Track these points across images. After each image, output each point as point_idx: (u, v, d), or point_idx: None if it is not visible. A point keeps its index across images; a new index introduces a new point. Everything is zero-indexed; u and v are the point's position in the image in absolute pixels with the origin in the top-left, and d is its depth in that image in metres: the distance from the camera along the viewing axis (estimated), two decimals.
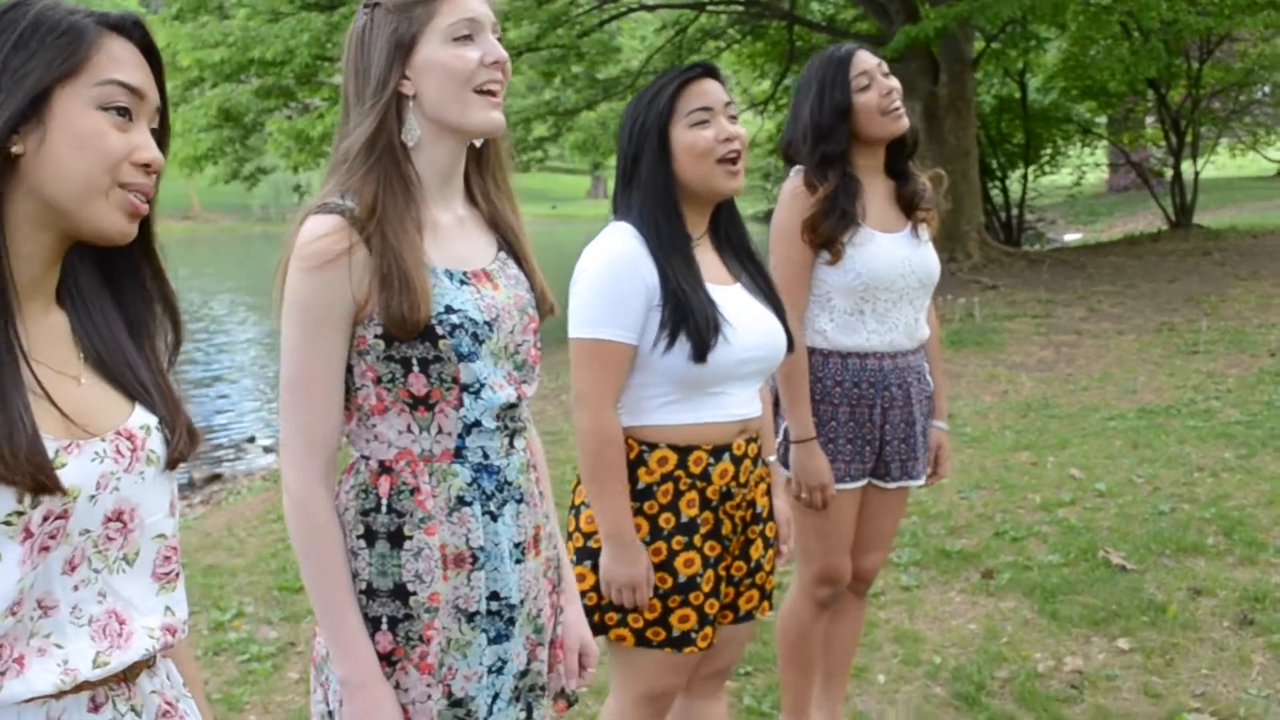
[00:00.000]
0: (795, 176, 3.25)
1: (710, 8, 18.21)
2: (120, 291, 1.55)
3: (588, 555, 2.68)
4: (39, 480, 1.33)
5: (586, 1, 16.51)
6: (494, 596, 2.04)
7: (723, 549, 2.70)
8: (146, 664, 1.51)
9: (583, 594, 2.64)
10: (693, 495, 2.63)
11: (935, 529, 5.87)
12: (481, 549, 2.01)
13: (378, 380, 1.97)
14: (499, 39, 2.03)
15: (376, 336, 1.94)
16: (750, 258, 2.79)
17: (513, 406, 2.06)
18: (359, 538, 1.99)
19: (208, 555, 6.33)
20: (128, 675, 1.48)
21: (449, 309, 1.96)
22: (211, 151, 17.04)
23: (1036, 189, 21.54)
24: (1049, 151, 21.14)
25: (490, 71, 1.99)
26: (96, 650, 1.43)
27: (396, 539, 1.97)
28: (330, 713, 2.02)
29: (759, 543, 2.78)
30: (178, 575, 1.55)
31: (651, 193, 2.63)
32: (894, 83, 3.20)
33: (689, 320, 2.54)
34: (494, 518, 2.03)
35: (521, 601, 2.08)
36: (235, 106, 16.29)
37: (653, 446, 2.62)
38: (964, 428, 8.00)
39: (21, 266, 1.43)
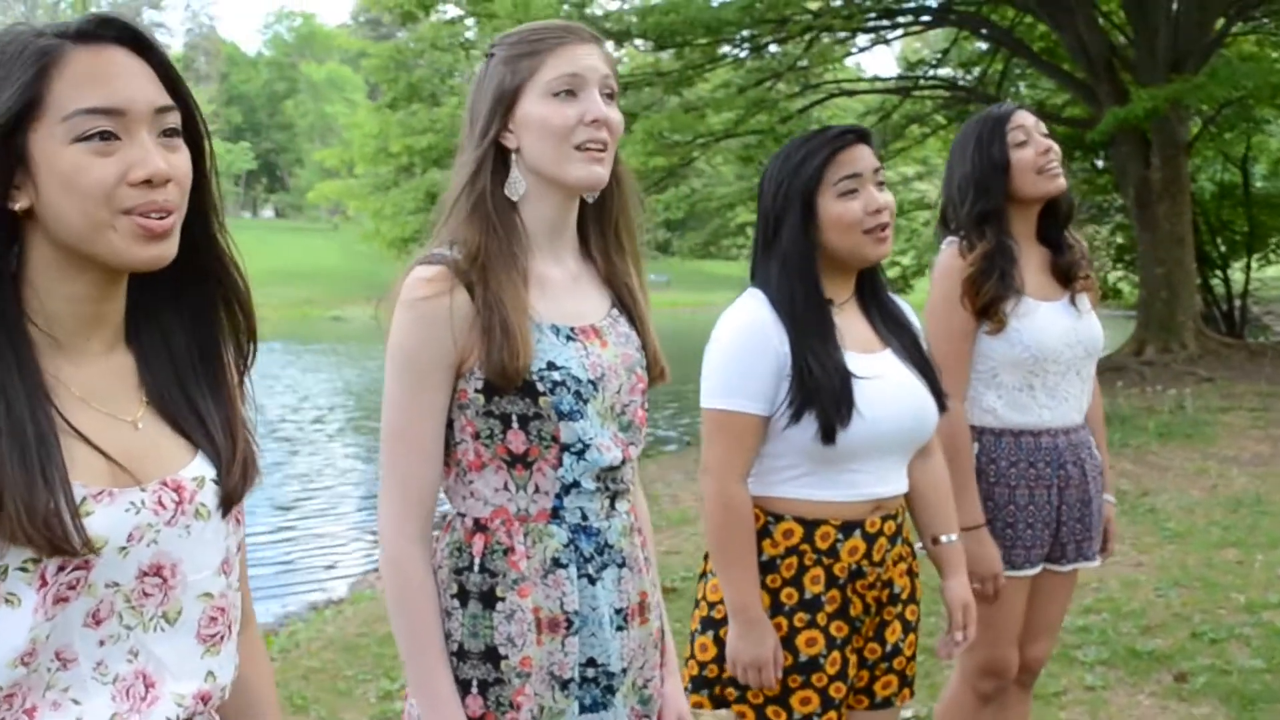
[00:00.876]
0: (949, 248, 3.10)
1: (915, 93, 18.04)
2: (188, 311, 1.46)
3: (711, 625, 2.55)
4: (53, 543, 1.25)
5: (788, 87, 16.55)
6: (590, 663, 1.95)
7: (852, 630, 2.53)
8: None
9: (704, 664, 2.53)
10: (818, 571, 2.48)
11: (1126, 627, 5.50)
12: (577, 613, 1.93)
13: (476, 436, 1.92)
14: (610, 94, 1.98)
15: (477, 390, 1.90)
16: (899, 322, 2.65)
17: (615, 468, 1.97)
18: (452, 597, 1.93)
19: (385, 625, 6.38)
20: None
21: (551, 365, 1.90)
22: (419, 233, 17.65)
23: (1261, 280, 20.54)
24: (1277, 240, 20.16)
25: (590, 130, 1.93)
26: (114, 712, 1.34)
27: (489, 600, 1.91)
28: None
29: (896, 625, 2.60)
30: (224, 637, 1.45)
31: (791, 260, 2.52)
32: (1052, 143, 3.05)
33: (817, 397, 2.42)
34: (592, 581, 1.95)
35: (624, 670, 1.98)
36: (442, 190, 16.82)
37: (779, 518, 2.49)
38: (1166, 523, 7.55)
39: (68, 308, 1.36)
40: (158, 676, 1.38)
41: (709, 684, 2.53)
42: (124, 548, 1.32)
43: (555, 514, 1.93)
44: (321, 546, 9.16)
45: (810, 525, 2.47)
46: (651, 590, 2.06)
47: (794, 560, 2.48)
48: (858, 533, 2.49)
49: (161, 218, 1.32)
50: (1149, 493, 8.50)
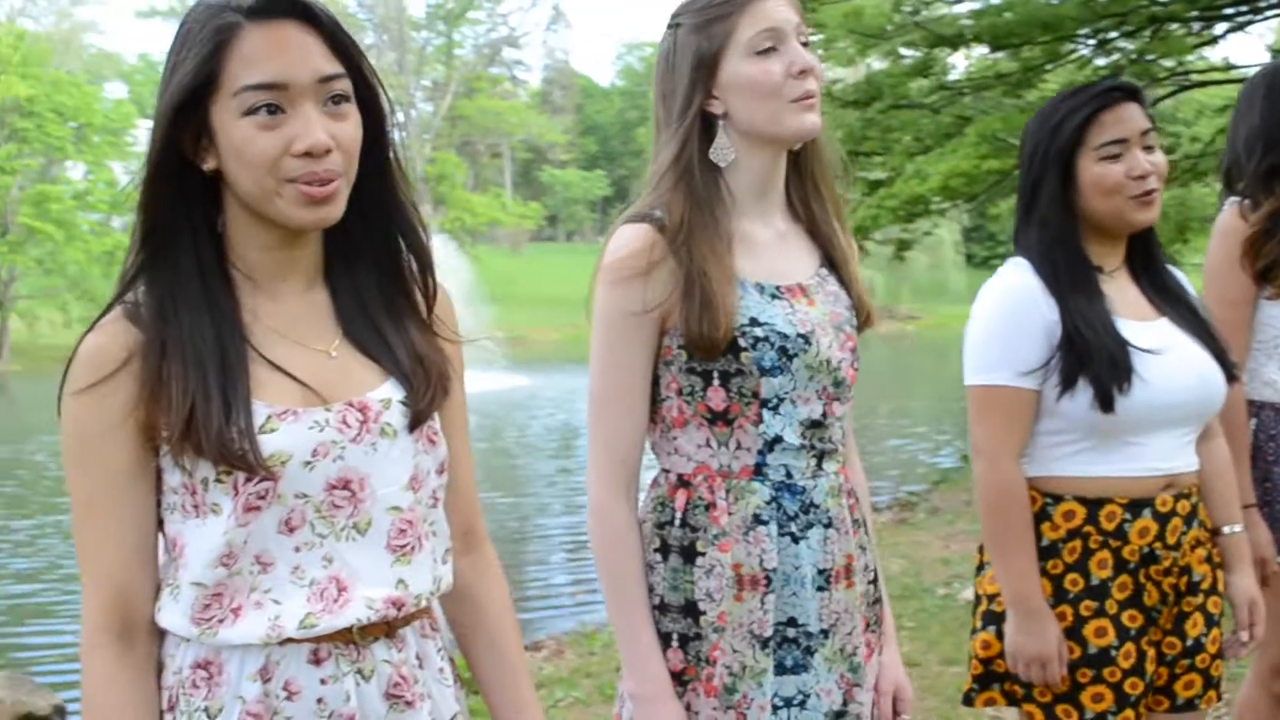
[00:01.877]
0: (1229, 210, 2.86)
1: None
2: (373, 255, 1.58)
3: (991, 620, 2.43)
4: (229, 457, 1.41)
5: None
6: (791, 623, 1.93)
7: (1147, 621, 2.35)
8: (383, 631, 1.52)
9: (988, 661, 2.41)
10: (1105, 555, 2.32)
11: None
12: (777, 571, 1.91)
13: (679, 392, 1.94)
14: (805, 42, 1.95)
15: (680, 347, 1.91)
16: (1174, 292, 2.47)
17: (819, 425, 1.95)
18: (655, 551, 1.95)
19: None
20: (358, 639, 1.50)
21: (755, 321, 1.90)
22: None
23: None
24: None
25: (799, 82, 1.91)
26: (308, 611, 1.47)
27: (689, 554, 1.93)
28: None
29: (1197, 617, 2.40)
30: (414, 548, 1.55)
31: (1052, 226, 2.38)
32: None
33: (1090, 363, 2.28)
34: (795, 540, 1.92)
35: (825, 632, 1.95)
36: None
37: (1058, 499, 2.34)
38: None
39: (262, 255, 1.52)
40: (350, 581, 1.49)
41: (997, 679, 2.41)
42: (309, 462, 1.45)
43: (758, 470, 1.93)
44: None
45: (1094, 505, 2.32)
46: (859, 554, 2.01)
47: (1077, 544, 2.33)
48: (1147, 512, 2.32)
49: (323, 184, 1.43)
50: None
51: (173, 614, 1.48)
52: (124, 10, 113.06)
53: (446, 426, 1.62)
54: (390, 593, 1.52)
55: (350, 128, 1.47)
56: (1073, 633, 2.32)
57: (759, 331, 1.90)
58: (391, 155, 1.56)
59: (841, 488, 2.00)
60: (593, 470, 1.96)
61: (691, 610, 1.92)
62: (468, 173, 59.81)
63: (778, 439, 1.92)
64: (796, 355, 1.91)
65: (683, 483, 1.95)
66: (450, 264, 31.12)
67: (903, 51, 11.84)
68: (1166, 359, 2.32)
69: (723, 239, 1.92)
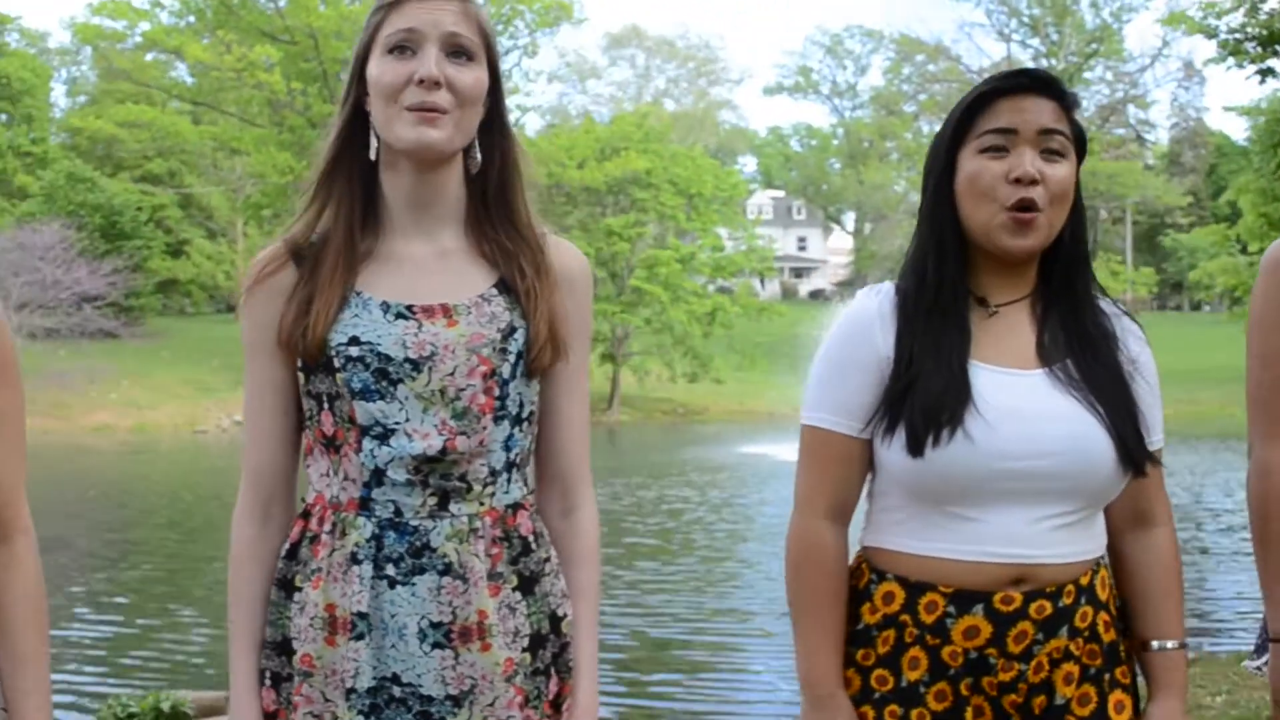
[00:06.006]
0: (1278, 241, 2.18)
1: None
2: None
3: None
4: None
5: None
6: (394, 680, 1.73)
7: None
8: None
9: None
10: (918, 653, 1.86)
11: None
12: (362, 616, 1.73)
13: (308, 417, 1.83)
14: (460, 52, 1.78)
15: (299, 369, 1.81)
16: (1099, 339, 1.93)
17: (438, 461, 1.74)
18: (275, 583, 1.84)
19: None
20: None
21: (354, 340, 1.76)
22: None
23: None
24: None
25: (421, 91, 1.74)
26: None
27: (289, 589, 1.80)
28: None
29: None
30: None
31: (925, 236, 1.94)
32: None
33: (909, 399, 1.85)
34: (392, 584, 1.74)
35: (454, 700, 1.74)
36: None
37: (882, 576, 1.91)
38: None
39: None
40: None
41: None
42: None
43: (364, 505, 1.77)
44: None
45: (914, 589, 1.87)
46: (504, 613, 1.77)
47: (892, 634, 1.89)
48: (980, 608, 1.83)
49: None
50: None
51: None
52: (754, 89, 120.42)
53: None
54: None
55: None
56: None
57: (354, 351, 1.75)
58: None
59: (478, 534, 1.78)
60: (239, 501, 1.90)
61: (286, 648, 1.80)
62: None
63: (382, 472, 1.76)
64: (402, 381, 1.75)
65: (305, 513, 1.84)
66: None
67: None
68: (1019, 419, 1.83)
69: (351, 245, 1.82)
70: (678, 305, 40.02)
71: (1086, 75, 59.14)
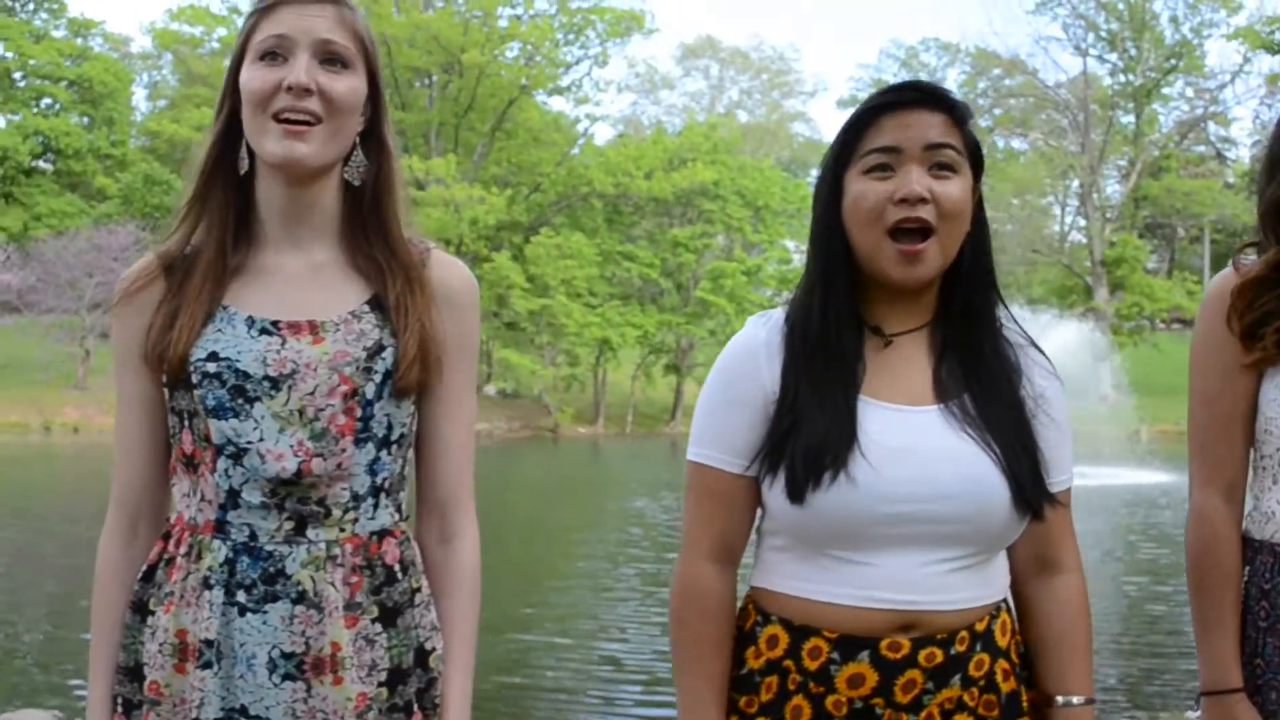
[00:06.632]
0: (1224, 272, 2.09)
1: None
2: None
3: None
4: None
5: None
6: (243, 712, 1.68)
7: None
8: None
9: None
10: (801, 701, 1.77)
11: None
12: (209, 644, 1.68)
13: (171, 435, 1.80)
14: (335, 59, 1.73)
15: (164, 384, 1.77)
16: (1000, 372, 1.83)
17: (293, 483, 1.69)
18: (130, 605, 1.79)
19: None
20: None
21: (213, 356, 1.71)
22: None
23: None
24: None
25: (288, 99, 1.69)
26: None
27: (143, 612, 1.76)
28: None
29: None
30: None
31: (813, 263, 1.86)
32: None
33: (791, 441, 1.76)
34: (243, 611, 1.68)
35: None
36: None
37: (767, 619, 1.83)
38: None
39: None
40: None
41: None
42: None
43: (220, 527, 1.71)
44: None
45: (798, 633, 1.79)
46: (360, 646, 1.71)
47: (775, 680, 1.80)
48: (865, 655, 1.74)
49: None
50: None
51: None
52: (828, 101, 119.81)
53: None
54: None
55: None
56: None
57: (211, 367, 1.71)
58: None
59: (336, 561, 1.72)
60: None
61: (138, 674, 1.76)
62: (1150, 256, 56.64)
63: (237, 493, 1.71)
64: (260, 399, 1.70)
65: (165, 535, 1.80)
66: (1092, 348, 29.63)
67: None
68: (909, 460, 1.74)
69: (220, 259, 1.78)
70: (742, 318, 39.50)
71: (1165, 91, 58.08)
